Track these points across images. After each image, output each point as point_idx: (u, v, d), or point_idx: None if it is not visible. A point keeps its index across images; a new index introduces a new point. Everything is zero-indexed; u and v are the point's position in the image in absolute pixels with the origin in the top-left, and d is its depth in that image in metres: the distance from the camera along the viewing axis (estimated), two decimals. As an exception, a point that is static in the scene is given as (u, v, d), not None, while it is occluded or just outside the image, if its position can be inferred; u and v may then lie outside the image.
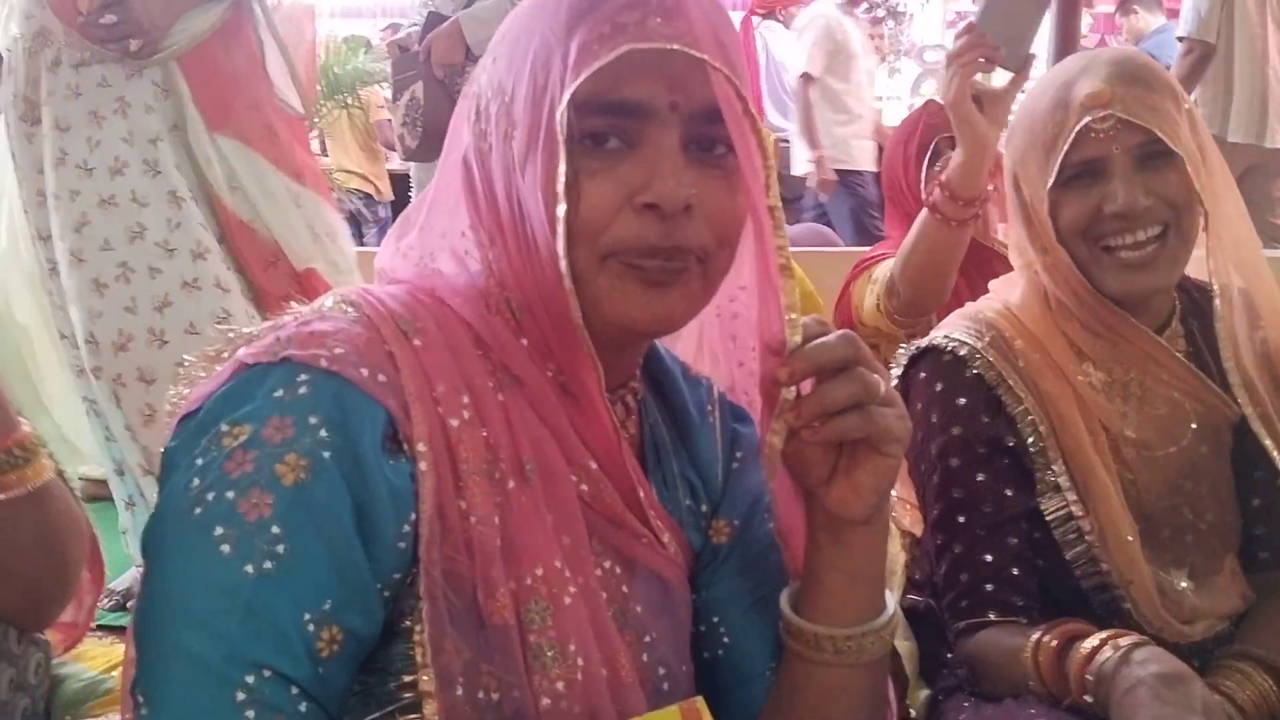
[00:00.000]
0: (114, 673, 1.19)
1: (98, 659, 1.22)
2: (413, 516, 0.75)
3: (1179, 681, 1.04)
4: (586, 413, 0.83)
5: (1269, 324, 1.32)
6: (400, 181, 4.93)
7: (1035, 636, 1.17)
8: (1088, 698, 1.10)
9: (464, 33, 2.96)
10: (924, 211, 1.83)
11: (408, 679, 0.74)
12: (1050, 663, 1.15)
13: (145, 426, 1.98)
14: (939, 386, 1.29)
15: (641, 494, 0.85)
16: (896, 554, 1.48)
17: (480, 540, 0.75)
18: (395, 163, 5.55)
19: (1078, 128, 1.21)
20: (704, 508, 0.93)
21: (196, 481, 0.73)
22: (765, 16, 6.07)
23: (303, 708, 0.71)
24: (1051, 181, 1.23)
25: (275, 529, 0.71)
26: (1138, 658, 1.07)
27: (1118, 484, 1.25)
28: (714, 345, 0.93)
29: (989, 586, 1.26)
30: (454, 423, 0.77)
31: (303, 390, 0.74)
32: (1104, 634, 1.12)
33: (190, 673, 0.70)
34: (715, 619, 0.92)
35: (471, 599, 0.75)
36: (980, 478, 1.27)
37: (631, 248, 0.78)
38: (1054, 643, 1.15)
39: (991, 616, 1.25)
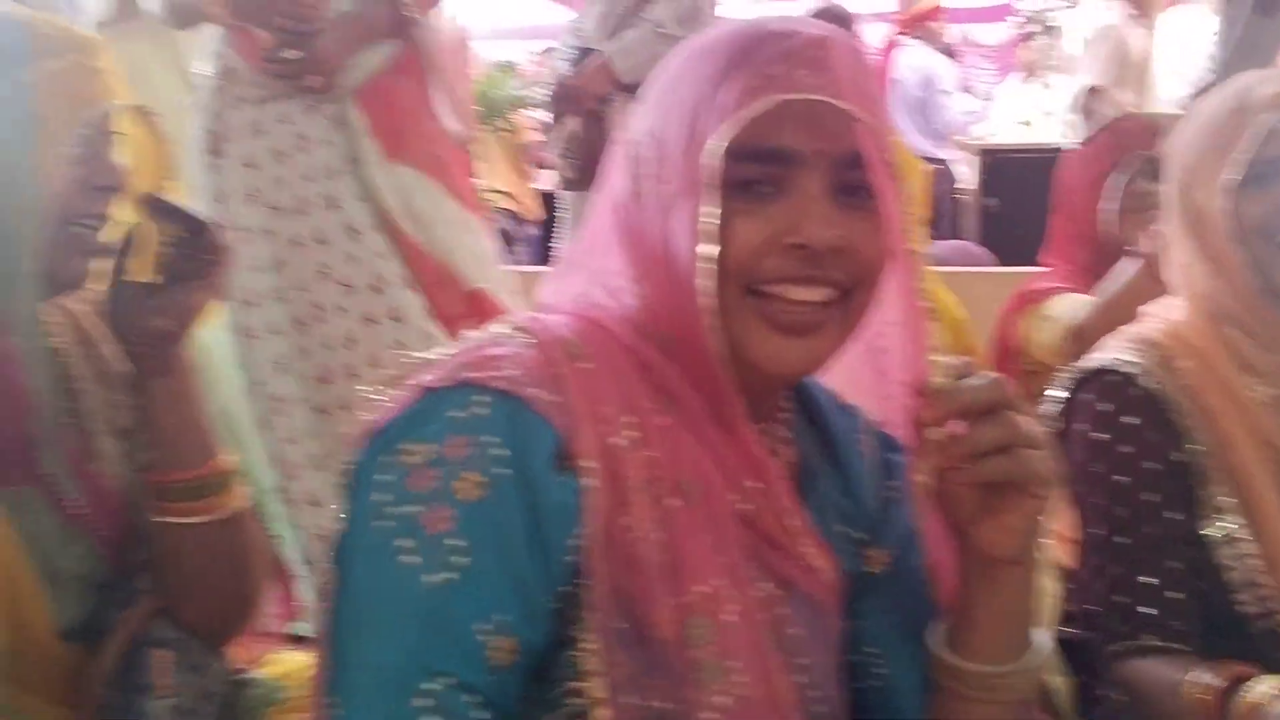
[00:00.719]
0: (290, 680, 1.26)
1: (274, 667, 1.29)
2: (579, 532, 0.79)
3: None
4: (736, 439, 0.86)
5: None
6: (549, 200, 5.04)
7: (1198, 674, 1.14)
8: None
9: (612, 65, 3.05)
10: (1127, 262, 1.75)
11: (574, 686, 0.78)
12: (1213, 705, 1.12)
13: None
14: (1106, 407, 1.28)
15: (796, 520, 0.88)
16: (1048, 588, 1.46)
17: (644, 556, 0.79)
18: (544, 182, 5.67)
19: (1271, 124, 1.21)
20: (858, 535, 0.95)
21: (381, 496, 0.78)
22: (911, 35, 5.98)
23: (478, 715, 0.76)
24: (1233, 179, 1.22)
25: (455, 542, 0.76)
26: None
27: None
28: (862, 378, 0.95)
29: (1148, 610, 1.23)
30: (618, 442, 0.81)
31: (479, 411, 0.79)
32: (1275, 684, 1.09)
33: (375, 678, 0.76)
34: (869, 649, 0.94)
35: (635, 614, 0.79)
36: (1145, 497, 1.25)
37: (776, 277, 0.83)
38: (1218, 683, 1.12)
39: (1150, 641, 1.22)
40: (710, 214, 0.81)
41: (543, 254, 5.40)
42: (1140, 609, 1.23)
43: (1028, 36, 6.64)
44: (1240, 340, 1.26)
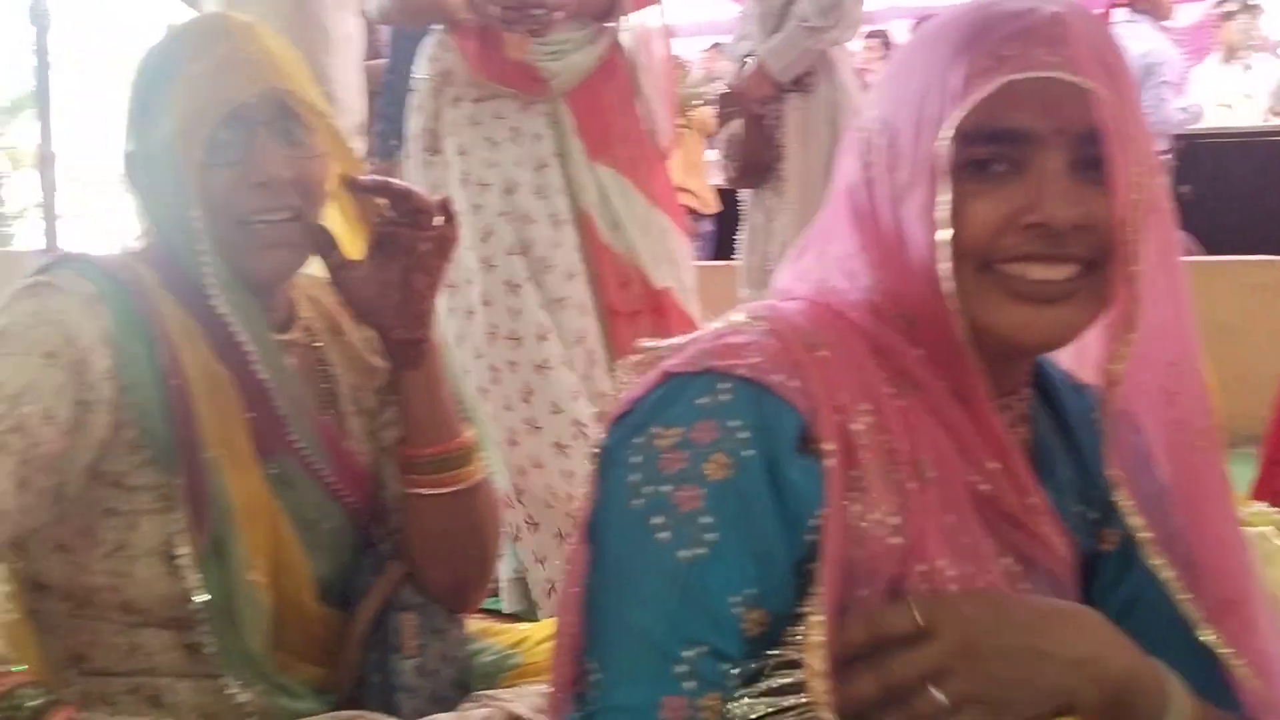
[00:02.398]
0: (518, 649, 1.32)
1: (502, 636, 1.35)
2: (819, 512, 0.81)
3: None
4: (978, 419, 0.87)
5: None
6: (727, 195, 5.08)
7: None
8: None
9: (767, 67, 3.13)
10: None
11: (797, 657, 0.81)
12: None
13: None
14: None
15: (1036, 499, 0.88)
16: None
17: (876, 539, 0.81)
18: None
19: None
20: (1093, 515, 0.95)
21: (634, 477, 0.83)
22: (1133, 9, 5.71)
23: (731, 682, 0.81)
24: None
25: (706, 519, 0.80)
26: None
27: None
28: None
29: None
30: (855, 427, 0.83)
31: (724, 397, 0.83)
32: None
33: (637, 645, 0.80)
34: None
35: (868, 593, 0.81)
36: None
37: (1015, 256, 0.84)
38: None
39: None
40: (946, 198, 0.82)
41: (720, 249, 5.43)
42: None
43: (1227, 16, 6.33)
44: None
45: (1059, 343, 0.89)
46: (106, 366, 1.10)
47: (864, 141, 0.90)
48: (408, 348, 1.21)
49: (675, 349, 0.88)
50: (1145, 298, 0.85)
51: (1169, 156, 5.17)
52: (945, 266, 0.83)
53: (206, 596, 1.13)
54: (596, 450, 0.88)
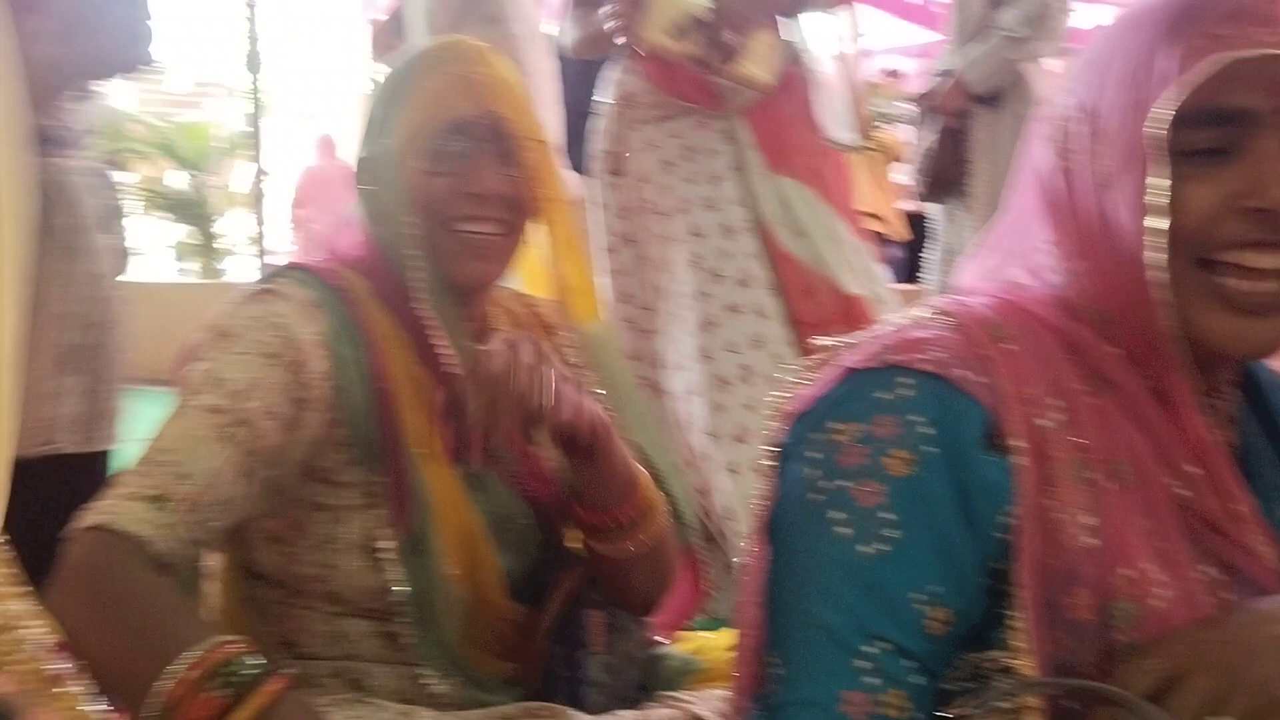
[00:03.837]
0: (701, 655, 1.33)
1: (688, 643, 1.37)
2: (1010, 509, 0.79)
3: None
4: (1180, 420, 0.83)
5: None
6: (915, 220, 4.99)
7: None
8: None
9: (964, 80, 3.13)
10: None
11: (1004, 661, 0.79)
12: None
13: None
14: None
15: (1241, 505, 0.84)
16: None
17: (1070, 538, 0.78)
18: (910, 202, 5.62)
19: None
20: None
21: (813, 471, 0.82)
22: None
23: (915, 680, 0.78)
24: None
25: (886, 515, 0.79)
26: None
27: None
28: None
29: None
30: (1045, 424, 0.80)
31: (906, 392, 0.81)
32: None
33: (818, 639, 0.79)
34: None
35: (1059, 593, 0.78)
36: None
37: (1233, 243, 0.80)
38: None
39: None
40: (1160, 185, 0.79)
41: (908, 275, 5.34)
42: None
43: None
44: None
45: (1263, 355, 0.85)
46: (323, 369, 1.18)
47: (1059, 128, 0.87)
48: (568, 445, 1.21)
49: (855, 346, 0.87)
50: None
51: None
52: (1158, 257, 0.79)
53: (406, 589, 1.18)
54: (774, 447, 0.88)
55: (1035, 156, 0.90)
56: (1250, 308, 0.80)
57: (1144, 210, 0.79)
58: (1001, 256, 0.92)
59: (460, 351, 1.23)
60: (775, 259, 2.22)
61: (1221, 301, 0.81)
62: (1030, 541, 0.78)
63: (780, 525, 0.84)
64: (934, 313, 0.88)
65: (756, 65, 2.14)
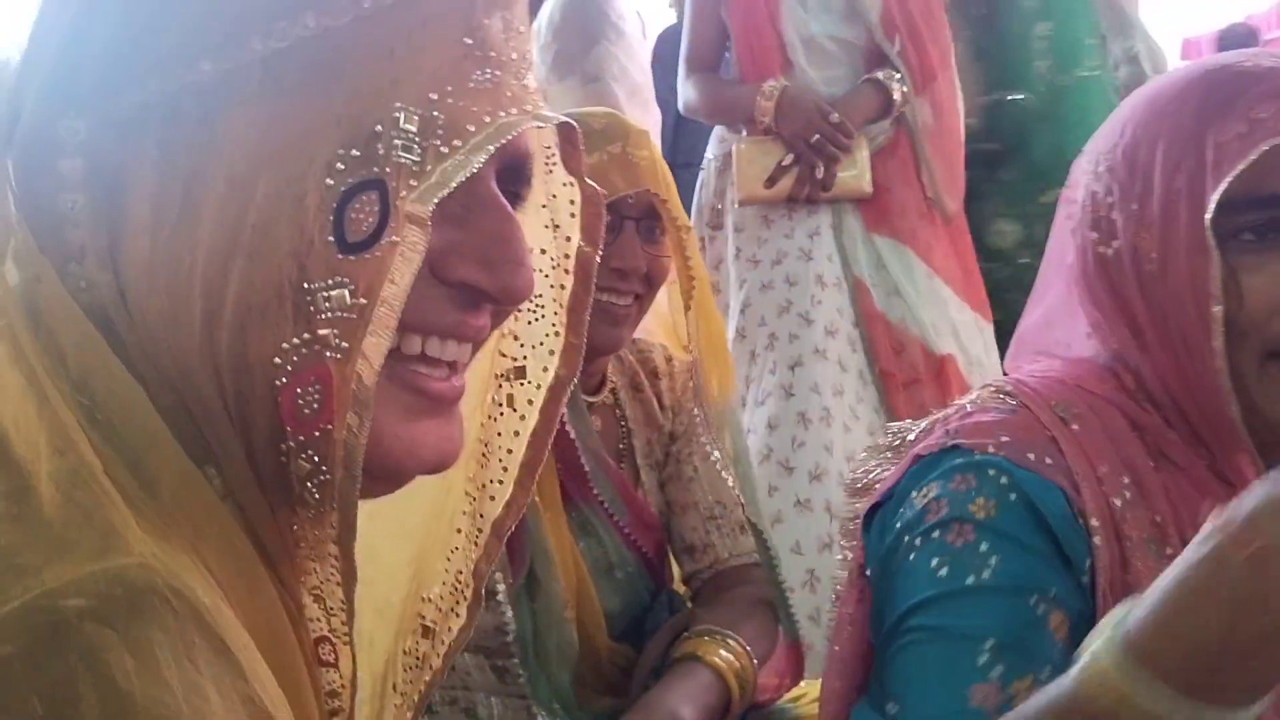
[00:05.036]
0: (796, 704, 1.37)
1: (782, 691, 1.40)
2: (1085, 580, 0.80)
3: None
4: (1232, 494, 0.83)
5: None
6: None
7: None
8: None
9: None
10: None
11: None
12: None
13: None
14: None
15: None
16: None
17: None
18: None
19: None
20: None
21: (899, 539, 0.83)
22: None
23: (1045, 674, 0.77)
24: None
25: (982, 547, 0.79)
26: None
27: None
28: None
29: None
30: (1117, 502, 0.81)
31: (978, 459, 0.82)
32: None
33: (936, 667, 0.80)
34: None
35: None
36: None
37: None
38: None
39: None
40: (1213, 272, 0.79)
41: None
42: None
43: None
44: None
45: None
46: None
47: (1097, 217, 0.87)
48: None
49: (923, 432, 0.88)
50: None
51: None
52: (1219, 344, 0.80)
53: (518, 629, 1.25)
54: (853, 522, 0.89)
55: (1071, 243, 0.90)
56: None
57: (1201, 298, 0.80)
58: (1048, 340, 0.93)
59: (573, 408, 1.31)
60: (866, 317, 2.26)
61: None
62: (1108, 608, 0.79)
63: (874, 589, 0.85)
64: (995, 393, 0.89)
65: (853, 175, 2.21)
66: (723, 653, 1.26)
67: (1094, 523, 0.80)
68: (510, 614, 1.25)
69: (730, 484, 1.42)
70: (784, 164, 2.18)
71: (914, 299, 2.25)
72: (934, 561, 0.80)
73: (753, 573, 1.41)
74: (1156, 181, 0.82)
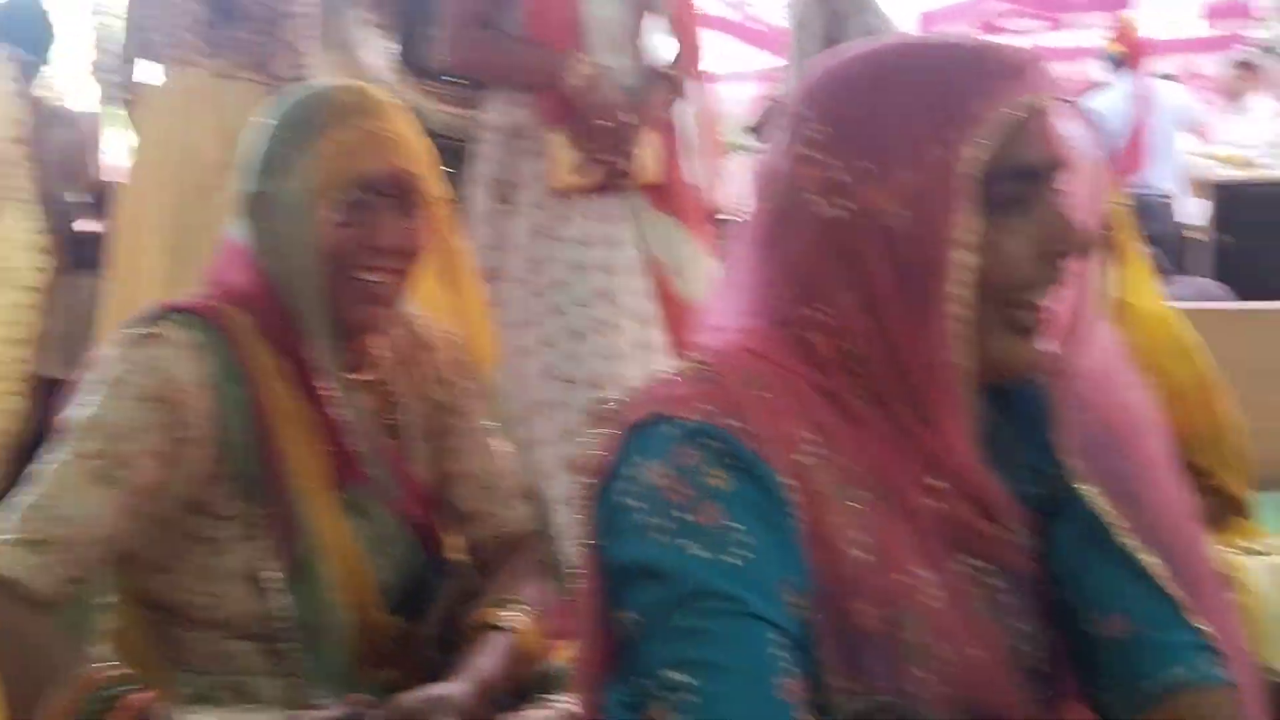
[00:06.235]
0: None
1: (565, 650, 1.42)
2: (790, 536, 0.84)
3: None
4: (940, 440, 0.89)
5: None
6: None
7: None
8: None
9: None
10: None
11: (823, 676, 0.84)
12: None
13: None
14: None
15: (994, 497, 0.91)
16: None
17: (844, 555, 0.85)
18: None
19: None
20: (1043, 491, 0.96)
21: (645, 519, 0.83)
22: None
23: (780, 653, 0.81)
24: None
25: (733, 524, 0.82)
26: None
27: None
28: None
29: None
30: (806, 460, 0.86)
31: (689, 428, 0.85)
32: None
33: (725, 643, 0.81)
34: (1066, 586, 0.94)
35: (844, 608, 0.84)
36: None
37: (1037, 286, 0.88)
38: None
39: None
40: (972, 227, 0.85)
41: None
42: None
43: (1255, 66, 6.41)
44: None
45: (1040, 369, 0.93)
46: (205, 408, 1.25)
47: (819, 179, 0.88)
48: None
49: (631, 404, 0.90)
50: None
51: (1214, 206, 5.23)
52: (966, 295, 0.85)
53: (291, 615, 1.25)
54: (584, 512, 0.89)
55: (769, 212, 0.92)
56: (1030, 333, 0.89)
57: (955, 252, 0.85)
58: (735, 309, 0.96)
59: (341, 386, 1.31)
60: (663, 297, 2.33)
61: (1020, 332, 0.89)
62: (812, 565, 0.84)
63: (634, 579, 0.84)
64: (693, 363, 0.92)
65: (647, 164, 2.26)
66: (509, 616, 1.30)
67: (791, 481, 0.84)
68: (282, 600, 1.24)
69: (503, 452, 1.45)
70: (593, 157, 2.20)
71: (693, 273, 2.33)
72: (686, 543, 0.82)
73: (531, 539, 1.45)
74: (906, 145, 0.86)
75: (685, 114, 2.35)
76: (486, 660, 1.24)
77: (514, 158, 2.31)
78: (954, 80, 0.87)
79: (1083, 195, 0.90)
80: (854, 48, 0.94)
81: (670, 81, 2.29)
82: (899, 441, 0.89)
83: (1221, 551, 1.70)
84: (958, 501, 0.90)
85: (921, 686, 0.85)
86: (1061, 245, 0.87)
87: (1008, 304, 0.88)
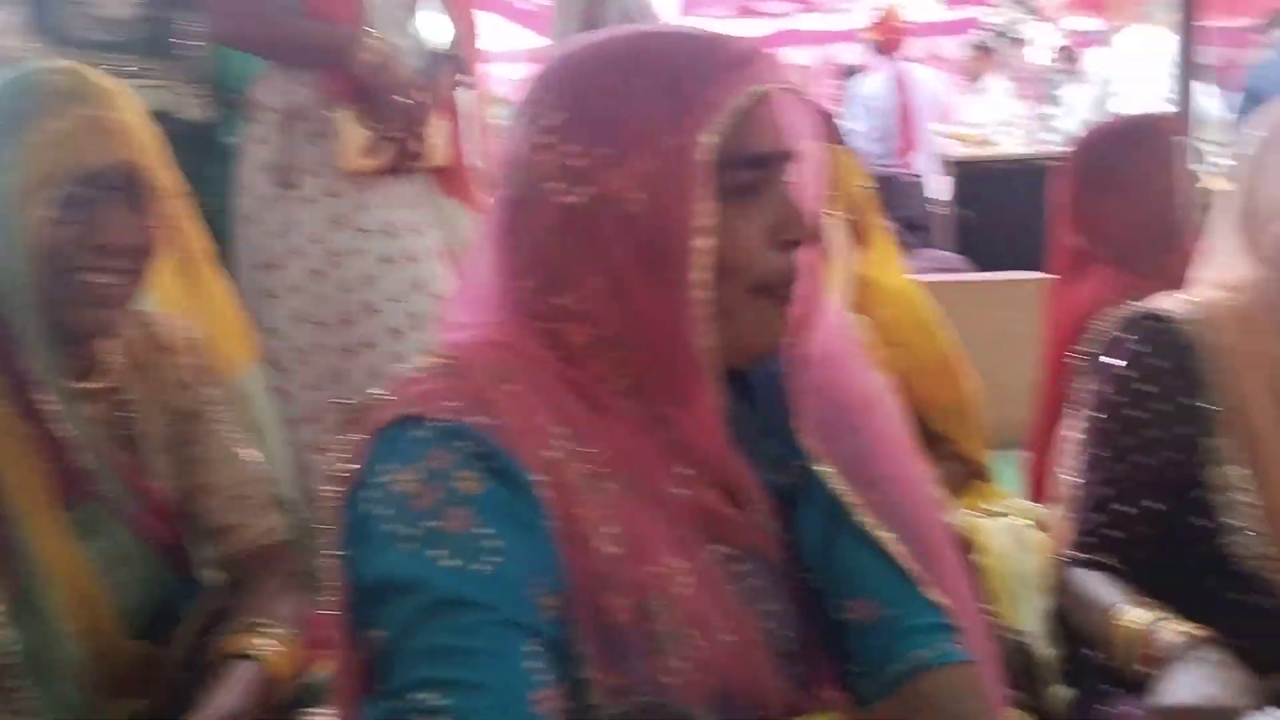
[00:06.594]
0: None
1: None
2: (542, 533, 0.83)
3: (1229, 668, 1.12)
4: (697, 423, 0.90)
5: None
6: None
7: (1128, 607, 1.24)
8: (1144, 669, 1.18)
9: None
10: None
11: (583, 675, 0.83)
12: (1133, 637, 1.22)
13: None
14: (1142, 347, 1.37)
15: (740, 481, 0.92)
16: (1038, 568, 1.56)
17: (596, 550, 0.84)
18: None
19: None
20: (783, 479, 0.97)
21: (392, 528, 0.80)
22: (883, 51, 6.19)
23: (535, 664, 0.80)
24: None
25: (483, 530, 0.80)
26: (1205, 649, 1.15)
27: None
28: None
29: (1115, 534, 1.34)
30: (557, 454, 0.85)
31: (440, 429, 0.83)
32: (1182, 630, 1.19)
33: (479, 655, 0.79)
34: (811, 567, 0.96)
35: (598, 601, 0.84)
36: (1150, 433, 1.34)
37: (777, 273, 0.89)
38: (1143, 623, 1.22)
39: (1106, 560, 1.34)
40: (704, 211, 0.86)
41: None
42: (1108, 531, 1.35)
43: (991, 49, 6.81)
44: (1271, 325, 1.34)
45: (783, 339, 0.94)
46: None
47: (558, 168, 0.87)
48: None
49: (378, 405, 0.87)
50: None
51: (954, 182, 5.54)
52: (707, 279, 0.86)
53: (16, 650, 1.15)
54: (335, 519, 0.86)
55: (521, 192, 0.90)
56: (771, 314, 0.90)
57: (695, 238, 0.85)
58: (476, 302, 0.94)
59: (64, 399, 1.21)
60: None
61: (761, 314, 0.90)
62: (564, 560, 0.83)
63: (384, 597, 0.81)
64: (437, 358, 0.90)
65: (437, 147, 2.19)
66: (259, 643, 1.22)
67: (542, 478, 0.83)
68: (4, 635, 1.15)
69: (253, 460, 1.38)
70: (385, 135, 2.11)
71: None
72: (436, 553, 0.80)
73: (285, 551, 1.38)
74: (642, 131, 0.86)
75: (466, 96, 2.29)
76: (229, 696, 1.17)
77: (295, 141, 2.17)
78: (688, 68, 0.87)
79: (811, 183, 0.92)
80: (589, 37, 0.94)
81: (455, 62, 2.23)
82: (649, 430, 0.90)
83: (964, 515, 1.80)
84: (706, 489, 0.91)
85: (678, 677, 0.85)
86: (791, 232, 0.89)
87: (747, 287, 0.89)
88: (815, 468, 0.96)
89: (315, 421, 2.08)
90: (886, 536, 0.95)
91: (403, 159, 2.15)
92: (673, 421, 0.90)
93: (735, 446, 0.93)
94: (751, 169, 0.88)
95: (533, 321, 0.90)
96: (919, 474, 1.00)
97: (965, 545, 1.34)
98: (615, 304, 0.88)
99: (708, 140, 0.85)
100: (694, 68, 0.87)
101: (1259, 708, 1.09)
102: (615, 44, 0.91)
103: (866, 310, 1.82)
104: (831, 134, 2.16)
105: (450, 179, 2.26)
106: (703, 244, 0.86)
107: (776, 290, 0.90)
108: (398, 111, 2.12)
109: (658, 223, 0.86)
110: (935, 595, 0.95)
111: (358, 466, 0.84)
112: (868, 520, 0.95)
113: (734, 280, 0.88)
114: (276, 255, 2.13)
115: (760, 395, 0.99)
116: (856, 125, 5.90)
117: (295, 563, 1.35)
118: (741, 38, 0.92)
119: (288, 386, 2.09)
